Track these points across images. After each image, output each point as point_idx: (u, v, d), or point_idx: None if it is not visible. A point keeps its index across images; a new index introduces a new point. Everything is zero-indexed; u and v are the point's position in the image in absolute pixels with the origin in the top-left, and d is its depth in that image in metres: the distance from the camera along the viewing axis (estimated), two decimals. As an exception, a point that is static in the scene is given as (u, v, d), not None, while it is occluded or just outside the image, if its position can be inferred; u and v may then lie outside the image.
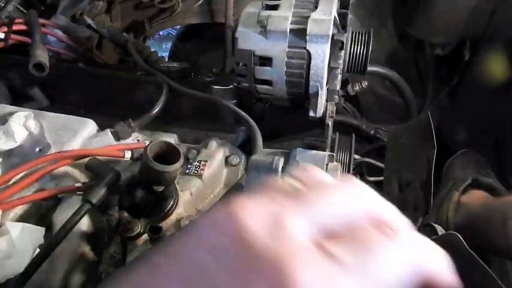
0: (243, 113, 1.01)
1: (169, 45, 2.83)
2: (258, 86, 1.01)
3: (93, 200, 0.83)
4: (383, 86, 1.98)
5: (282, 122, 1.26)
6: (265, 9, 0.95)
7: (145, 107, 1.21)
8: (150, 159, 0.80)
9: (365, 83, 1.37)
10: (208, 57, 2.65)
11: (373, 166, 1.57)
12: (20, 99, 1.35)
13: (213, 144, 1.11)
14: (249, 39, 0.93)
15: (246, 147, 1.18)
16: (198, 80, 1.27)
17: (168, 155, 0.86)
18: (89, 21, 1.37)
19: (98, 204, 0.84)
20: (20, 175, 0.91)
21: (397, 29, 1.97)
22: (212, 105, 1.18)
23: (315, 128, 1.12)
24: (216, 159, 1.08)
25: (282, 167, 0.76)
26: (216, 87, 1.22)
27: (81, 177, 1.00)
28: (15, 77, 1.34)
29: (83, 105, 1.27)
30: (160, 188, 0.86)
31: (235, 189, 1.00)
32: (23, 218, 0.89)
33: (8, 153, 0.96)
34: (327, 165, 0.79)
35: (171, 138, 1.19)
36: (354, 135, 1.17)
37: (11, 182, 0.90)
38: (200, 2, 2.00)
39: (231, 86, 1.22)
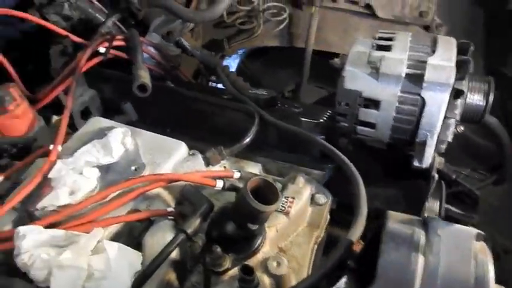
0: (339, 153, 0.97)
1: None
2: (358, 127, 0.97)
3: (188, 230, 0.82)
4: (467, 126, 1.87)
5: (366, 161, 1.20)
6: (377, 50, 0.91)
7: (231, 132, 1.21)
8: (252, 198, 0.78)
9: (461, 128, 1.29)
10: (274, 78, 2.66)
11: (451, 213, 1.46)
12: (110, 111, 1.40)
13: (301, 180, 1.07)
14: (357, 80, 0.89)
15: (331, 185, 1.13)
16: (285, 110, 1.25)
17: (265, 192, 0.83)
18: (185, 43, 1.41)
19: (192, 234, 0.83)
20: (116, 193, 0.93)
21: (488, 66, 1.86)
22: (299, 138, 1.15)
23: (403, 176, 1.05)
24: (303, 197, 1.04)
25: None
26: (304, 119, 1.20)
27: (170, 200, 1.00)
28: (108, 90, 1.40)
29: (169, 124, 1.29)
30: (255, 227, 0.84)
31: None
32: (114, 236, 0.90)
33: (106, 169, 0.99)
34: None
35: (256, 168, 1.17)
36: (443, 182, 1.09)
37: (107, 199, 0.92)
38: (282, 26, 2.00)
39: (321, 121, 1.18)
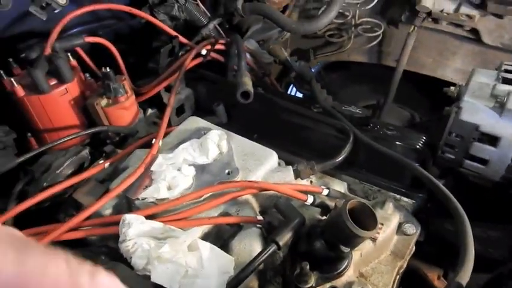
0: (441, 185, 0.92)
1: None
2: (467, 161, 0.91)
3: (280, 242, 0.82)
4: None
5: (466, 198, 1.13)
6: (503, 83, 0.85)
7: (320, 147, 1.20)
8: (351, 222, 0.76)
9: None
10: (349, 92, 2.60)
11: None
12: (201, 111, 1.46)
13: (390, 206, 1.03)
14: (476, 112, 0.84)
15: (420, 215, 1.08)
16: (378, 131, 1.21)
17: (361, 216, 0.81)
18: (285, 53, 1.42)
19: (283, 247, 0.83)
20: (209, 194, 0.96)
21: None
22: (393, 162, 1.10)
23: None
24: (391, 224, 1.00)
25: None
26: (399, 143, 1.15)
27: (256, 207, 1.01)
28: (203, 91, 1.45)
29: (257, 130, 1.30)
30: (347, 249, 0.82)
31: None
32: (203, 236, 0.93)
33: (202, 169, 1.02)
34: None
35: (341, 186, 1.15)
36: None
37: (201, 199, 0.95)
38: (374, 43, 1.95)
39: (417, 147, 1.13)
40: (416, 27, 1.73)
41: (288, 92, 2.45)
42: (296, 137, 1.28)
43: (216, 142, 1.08)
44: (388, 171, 1.15)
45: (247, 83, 1.10)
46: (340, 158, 1.07)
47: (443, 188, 0.90)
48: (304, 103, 1.39)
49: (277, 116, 1.34)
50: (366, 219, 0.81)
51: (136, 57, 1.60)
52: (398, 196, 1.12)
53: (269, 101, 1.37)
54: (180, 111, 1.39)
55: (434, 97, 2.13)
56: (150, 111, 1.37)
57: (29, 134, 1.18)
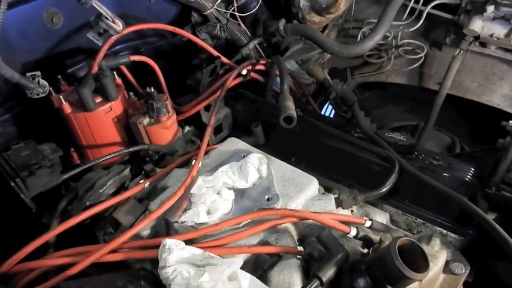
0: (494, 224, 0.86)
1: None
2: (526, 201, 0.85)
3: (324, 278, 0.79)
4: None
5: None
6: None
7: (363, 175, 1.16)
8: (401, 261, 0.72)
9: None
10: (383, 112, 2.53)
11: None
12: (238, 129, 1.45)
13: (437, 242, 0.98)
14: (539, 151, 0.78)
15: (469, 253, 1.02)
16: (424, 160, 1.16)
17: (410, 255, 0.77)
18: (325, 74, 1.40)
19: (326, 283, 0.79)
20: (248, 220, 0.94)
21: None
22: (440, 194, 1.05)
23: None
24: (438, 262, 0.95)
25: None
26: (446, 175, 1.10)
27: (295, 235, 0.98)
28: (241, 110, 1.45)
29: (296, 153, 1.28)
30: (395, 290, 0.77)
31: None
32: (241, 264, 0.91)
33: (241, 193, 1.01)
34: None
35: (383, 217, 1.10)
36: None
37: (240, 225, 0.93)
38: (415, 65, 1.90)
39: (467, 179, 1.07)
40: (462, 51, 1.66)
41: (323, 111, 2.42)
42: (336, 163, 1.24)
43: (256, 166, 1.06)
44: (433, 203, 1.09)
45: (291, 107, 1.08)
46: (385, 189, 1.03)
47: (498, 226, 0.84)
48: (344, 127, 1.36)
49: (316, 139, 1.30)
50: (416, 258, 0.77)
51: (175, 73, 1.62)
52: (445, 231, 1.06)
53: (309, 124, 1.34)
54: (218, 130, 1.39)
55: (477, 122, 2.05)
56: (187, 128, 1.37)
57: (72, 149, 1.21)
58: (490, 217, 0.90)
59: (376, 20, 1.88)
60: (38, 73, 0.88)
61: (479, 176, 1.13)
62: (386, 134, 1.22)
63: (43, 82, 0.88)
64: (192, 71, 1.71)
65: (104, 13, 0.67)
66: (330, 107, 2.18)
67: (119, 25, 0.71)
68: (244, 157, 1.10)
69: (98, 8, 0.67)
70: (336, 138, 1.26)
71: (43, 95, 0.88)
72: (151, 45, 1.63)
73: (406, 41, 1.90)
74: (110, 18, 0.67)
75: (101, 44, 0.84)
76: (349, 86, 1.36)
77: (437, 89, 1.87)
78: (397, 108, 2.42)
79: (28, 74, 0.87)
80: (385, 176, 1.08)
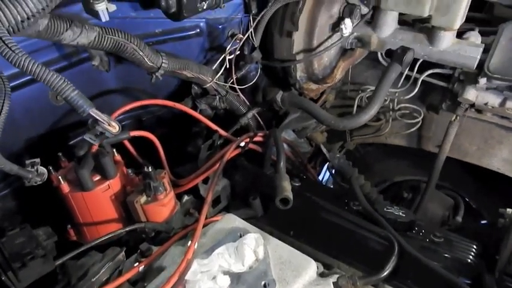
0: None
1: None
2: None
3: None
4: None
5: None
6: None
7: (361, 253, 1.13)
8: None
9: None
10: (384, 166, 2.52)
11: None
12: (236, 199, 1.44)
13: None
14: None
15: None
16: (424, 237, 1.14)
17: None
18: (324, 139, 1.41)
19: None
20: (245, 309, 0.91)
21: None
22: (442, 279, 1.02)
23: None
24: None
25: None
26: (448, 256, 1.07)
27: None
28: (239, 180, 1.45)
29: (294, 226, 1.26)
30: None
31: None
32: None
33: (237, 278, 0.98)
34: None
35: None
36: None
37: (236, 315, 0.90)
38: (413, 129, 1.92)
39: (468, 260, 1.04)
40: (458, 116, 1.69)
41: (323, 171, 2.42)
42: (336, 238, 1.21)
43: (253, 248, 1.04)
44: (436, 285, 1.06)
45: (287, 188, 1.08)
46: (385, 274, 1.00)
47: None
48: (343, 197, 1.35)
49: (315, 214, 1.29)
50: None
51: (176, 141, 1.65)
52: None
53: (307, 199, 1.33)
54: (216, 201, 1.38)
55: (482, 175, 2.02)
56: (186, 198, 1.37)
57: (69, 226, 1.20)
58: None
59: (372, 87, 1.94)
60: (37, 160, 0.90)
61: (484, 253, 1.10)
62: (385, 209, 1.21)
63: (41, 170, 0.89)
64: (192, 138, 1.75)
65: (100, 119, 0.70)
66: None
67: (114, 127, 0.73)
68: (241, 236, 1.09)
69: (95, 115, 0.70)
70: (335, 214, 1.24)
71: (40, 182, 0.90)
72: (152, 114, 1.68)
73: (403, 105, 1.93)
74: (106, 123, 0.70)
75: (96, 144, 0.86)
76: (347, 162, 1.36)
77: (436, 151, 1.87)
78: (399, 162, 2.42)
79: (28, 162, 0.89)
80: (385, 255, 1.06)
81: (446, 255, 1.08)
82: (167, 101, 1.40)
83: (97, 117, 0.71)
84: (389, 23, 1.47)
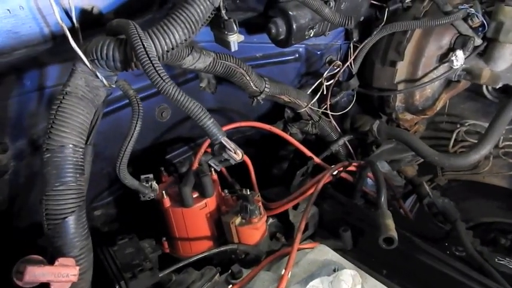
0: None
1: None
2: None
3: None
4: None
5: None
6: None
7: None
8: None
9: None
10: (473, 206, 2.26)
11: None
12: (323, 228, 1.40)
13: None
14: None
15: None
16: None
17: None
18: (433, 191, 1.32)
19: None
20: None
21: None
22: None
23: None
24: None
25: None
26: None
27: None
28: (328, 209, 1.41)
29: (386, 264, 1.18)
30: None
31: None
32: None
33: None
34: None
35: None
36: None
37: None
38: (519, 169, 1.74)
39: None
40: None
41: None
42: (437, 285, 1.12)
43: (349, 285, 1.00)
44: None
45: (391, 227, 1.02)
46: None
47: None
48: (443, 241, 1.25)
49: (412, 255, 1.20)
50: None
51: (262, 162, 1.66)
52: None
53: (402, 236, 1.25)
54: (304, 229, 1.35)
55: None
56: (270, 220, 1.36)
57: (164, 238, 1.25)
58: None
59: (471, 121, 1.81)
60: (151, 176, 0.95)
61: None
62: (496, 260, 1.09)
63: (155, 186, 0.94)
64: (278, 161, 1.75)
65: (228, 146, 0.72)
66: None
67: (239, 155, 0.75)
68: (335, 271, 1.05)
69: (225, 144, 0.72)
70: (436, 258, 1.15)
71: (153, 197, 0.94)
72: (242, 134, 1.71)
73: (507, 143, 1.77)
74: (232, 150, 0.72)
75: (218, 169, 0.89)
76: (452, 203, 1.26)
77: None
78: (489, 203, 2.20)
79: (142, 177, 0.94)
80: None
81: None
82: (264, 124, 1.42)
83: (226, 145, 0.73)
84: (506, 57, 1.36)
